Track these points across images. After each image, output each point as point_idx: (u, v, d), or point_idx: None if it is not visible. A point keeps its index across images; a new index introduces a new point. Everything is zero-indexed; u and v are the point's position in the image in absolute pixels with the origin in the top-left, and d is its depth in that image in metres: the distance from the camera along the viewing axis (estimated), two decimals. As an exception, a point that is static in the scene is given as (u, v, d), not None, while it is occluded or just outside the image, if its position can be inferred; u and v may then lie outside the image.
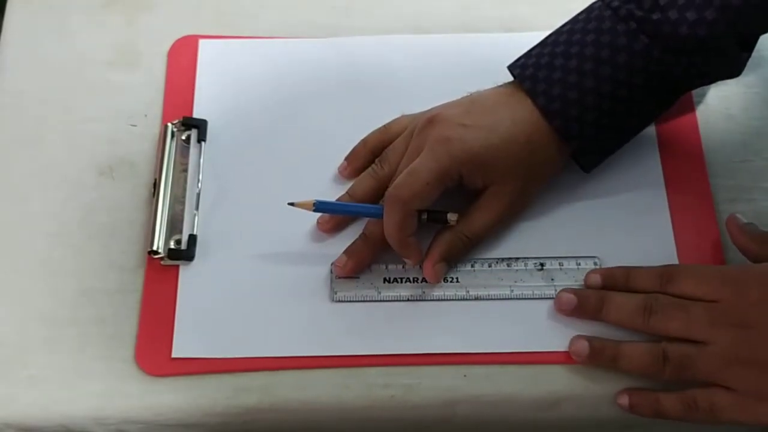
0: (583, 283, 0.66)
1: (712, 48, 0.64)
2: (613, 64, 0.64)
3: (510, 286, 0.66)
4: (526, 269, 0.67)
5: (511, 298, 0.66)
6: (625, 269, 0.64)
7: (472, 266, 0.67)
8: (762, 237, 0.64)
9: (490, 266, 0.67)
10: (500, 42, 0.75)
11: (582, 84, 0.64)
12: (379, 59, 0.76)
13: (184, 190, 0.69)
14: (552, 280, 0.66)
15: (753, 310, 0.58)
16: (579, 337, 0.63)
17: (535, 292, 0.66)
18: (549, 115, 0.65)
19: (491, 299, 0.66)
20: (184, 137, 0.71)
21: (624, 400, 0.61)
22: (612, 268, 0.65)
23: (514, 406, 0.64)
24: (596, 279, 0.65)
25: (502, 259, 0.67)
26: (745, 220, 0.65)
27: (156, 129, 0.72)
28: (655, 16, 0.63)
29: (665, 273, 0.62)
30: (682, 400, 0.60)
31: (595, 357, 0.62)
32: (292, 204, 0.66)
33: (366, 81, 0.75)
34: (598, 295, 0.64)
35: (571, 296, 0.64)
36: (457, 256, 0.66)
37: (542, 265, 0.67)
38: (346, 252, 0.66)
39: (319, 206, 0.66)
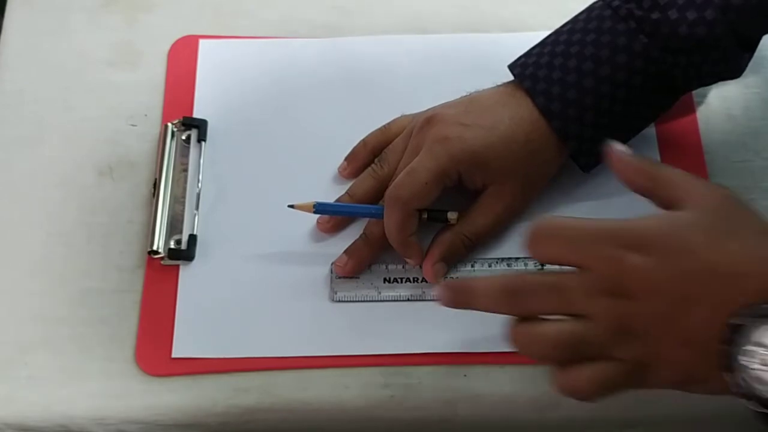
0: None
1: (711, 48, 0.64)
2: (613, 64, 0.64)
3: (510, 286, 0.66)
4: (526, 269, 0.67)
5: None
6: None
7: (472, 266, 0.67)
8: (644, 169, 0.57)
9: (490, 266, 0.67)
10: (500, 42, 0.75)
11: (581, 84, 0.64)
12: (379, 59, 0.76)
13: (184, 190, 0.69)
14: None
15: (628, 277, 0.52)
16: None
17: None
18: (548, 114, 0.65)
19: None
20: (184, 137, 0.72)
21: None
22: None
23: (514, 406, 0.64)
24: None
25: (502, 259, 0.67)
26: (625, 150, 0.58)
27: (156, 129, 0.72)
28: (654, 16, 0.63)
29: (534, 232, 0.54)
30: (565, 375, 0.54)
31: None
32: (292, 206, 0.66)
33: (366, 81, 0.75)
34: (463, 284, 0.57)
35: (439, 287, 0.58)
36: (456, 257, 0.66)
37: (542, 265, 0.67)
38: (346, 252, 0.67)
39: (319, 208, 0.66)
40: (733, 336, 0.49)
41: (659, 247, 0.51)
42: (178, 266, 0.67)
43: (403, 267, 0.67)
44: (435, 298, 0.58)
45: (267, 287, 0.67)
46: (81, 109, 0.73)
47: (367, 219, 0.67)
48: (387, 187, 0.66)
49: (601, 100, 0.65)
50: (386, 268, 0.67)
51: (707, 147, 0.72)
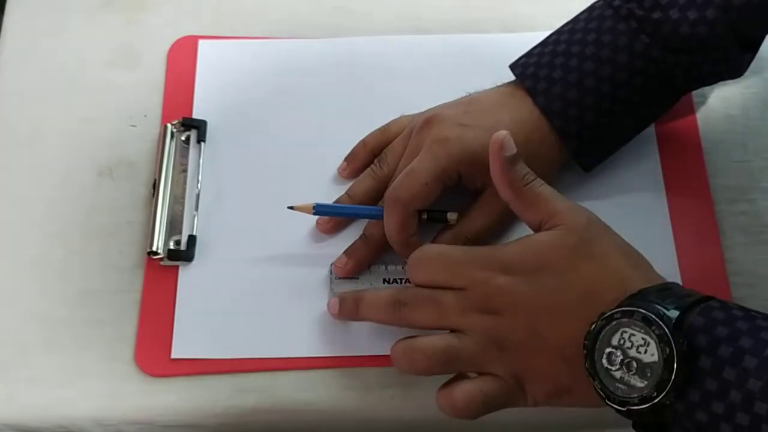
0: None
1: (712, 48, 0.64)
2: (614, 64, 0.64)
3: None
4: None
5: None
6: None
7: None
8: (521, 185, 0.59)
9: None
10: (500, 42, 0.75)
11: (582, 83, 0.64)
12: (379, 59, 0.76)
13: (184, 190, 0.69)
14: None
15: (497, 295, 0.57)
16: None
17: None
18: (549, 114, 0.65)
19: None
20: (183, 137, 0.72)
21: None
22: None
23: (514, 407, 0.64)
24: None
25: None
26: (510, 156, 0.59)
27: (156, 129, 0.72)
28: (655, 15, 0.63)
29: (412, 262, 0.60)
30: (464, 394, 0.58)
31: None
32: (291, 208, 0.66)
33: (366, 81, 0.75)
34: (354, 296, 0.63)
35: (335, 299, 0.64)
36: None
37: None
38: (346, 252, 0.67)
39: (318, 209, 0.66)
40: (592, 341, 0.53)
41: (522, 268, 0.57)
42: (177, 267, 0.67)
43: (402, 267, 0.67)
44: (328, 310, 0.64)
45: (267, 287, 0.67)
46: (81, 109, 0.73)
47: (366, 220, 0.67)
48: (386, 188, 0.66)
49: (602, 100, 0.65)
50: (386, 268, 0.67)
51: (707, 147, 0.72)
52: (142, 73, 0.75)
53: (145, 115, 0.73)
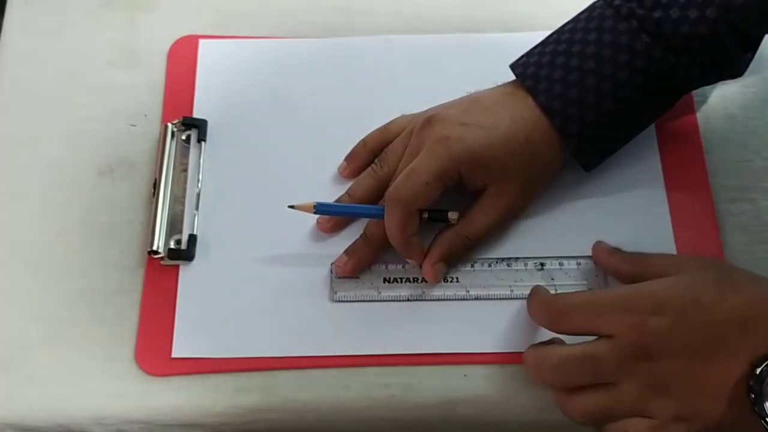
0: (583, 283, 0.66)
1: (713, 47, 0.64)
2: (615, 64, 0.64)
3: (510, 286, 0.66)
4: (526, 269, 0.67)
5: (511, 298, 0.66)
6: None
7: (472, 266, 0.67)
8: (630, 257, 0.65)
9: (490, 266, 0.67)
10: (500, 42, 0.75)
11: (583, 83, 0.64)
12: (379, 59, 0.76)
13: (184, 190, 0.69)
14: (552, 279, 0.66)
15: (652, 340, 0.56)
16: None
17: (535, 292, 0.66)
18: (550, 113, 0.65)
19: (491, 299, 0.66)
20: (184, 137, 0.72)
21: None
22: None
23: (514, 407, 0.64)
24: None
25: (502, 259, 0.67)
26: (611, 246, 0.66)
27: (156, 129, 0.72)
28: (656, 15, 0.64)
29: (555, 309, 0.60)
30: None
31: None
32: (292, 207, 0.66)
33: (366, 81, 0.75)
34: (535, 359, 0.61)
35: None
36: (457, 257, 0.66)
37: (542, 265, 0.67)
38: (346, 252, 0.67)
39: (319, 208, 0.66)
40: (757, 386, 0.53)
41: (673, 307, 0.56)
42: (178, 266, 0.67)
43: (403, 267, 0.67)
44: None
45: (267, 287, 0.67)
46: (81, 109, 0.73)
47: (367, 219, 0.67)
48: (387, 187, 0.66)
49: (602, 99, 0.65)
50: (386, 268, 0.67)
51: (707, 147, 0.72)
52: (143, 73, 0.75)
53: (146, 115, 0.73)
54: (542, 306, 0.62)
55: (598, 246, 0.66)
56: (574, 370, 0.59)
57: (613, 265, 0.65)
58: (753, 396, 0.53)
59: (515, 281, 0.66)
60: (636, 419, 0.57)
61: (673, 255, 0.65)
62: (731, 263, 0.63)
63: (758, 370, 0.53)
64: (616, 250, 0.66)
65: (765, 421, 0.53)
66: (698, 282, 0.57)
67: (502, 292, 0.66)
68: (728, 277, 0.58)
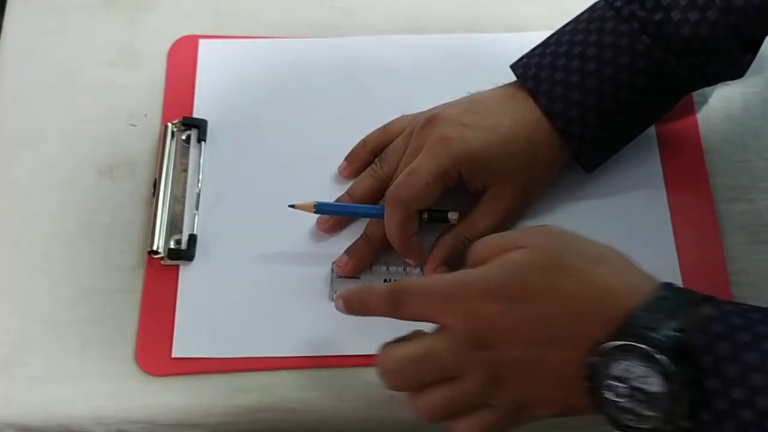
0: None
1: (714, 49, 0.64)
2: (616, 65, 0.64)
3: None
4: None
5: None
6: (360, 294, 0.60)
7: (473, 268, 0.67)
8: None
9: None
10: (500, 42, 0.75)
11: (584, 85, 0.64)
12: (379, 59, 0.76)
13: (184, 190, 0.69)
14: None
15: (486, 328, 0.54)
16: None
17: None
18: (551, 115, 0.65)
19: None
20: (184, 137, 0.72)
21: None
22: (350, 293, 0.60)
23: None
24: (340, 305, 0.60)
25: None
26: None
27: (156, 129, 0.72)
28: (657, 17, 0.63)
29: (394, 296, 0.57)
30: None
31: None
32: (292, 206, 0.66)
33: (366, 81, 0.75)
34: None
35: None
36: (458, 259, 0.66)
37: None
38: (347, 251, 0.67)
39: (319, 208, 0.66)
40: (592, 374, 0.51)
41: (505, 294, 0.54)
42: (178, 266, 0.67)
43: (404, 269, 0.67)
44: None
45: (267, 287, 0.67)
46: (81, 109, 0.73)
47: (367, 219, 0.67)
48: (387, 187, 0.66)
49: (603, 101, 0.65)
50: (387, 269, 0.67)
51: (707, 147, 0.72)
52: (143, 73, 0.75)
53: (146, 115, 0.73)
54: (381, 294, 0.58)
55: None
56: (413, 371, 0.56)
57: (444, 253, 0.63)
58: (590, 384, 0.52)
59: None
60: (482, 411, 0.55)
61: (505, 234, 0.60)
62: (568, 232, 0.57)
63: (589, 359, 0.51)
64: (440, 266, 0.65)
65: (605, 411, 0.51)
66: (529, 268, 0.54)
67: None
68: (563, 262, 0.54)
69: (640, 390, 0.50)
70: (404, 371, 0.56)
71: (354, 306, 0.60)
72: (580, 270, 0.55)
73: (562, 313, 0.54)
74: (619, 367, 0.51)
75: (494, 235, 0.58)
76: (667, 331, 0.50)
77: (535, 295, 0.54)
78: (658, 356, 0.49)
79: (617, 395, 0.51)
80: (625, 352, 0.50)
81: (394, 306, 0.57)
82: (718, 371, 0.49)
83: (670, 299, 0.52)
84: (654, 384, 0.50)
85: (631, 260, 0.56)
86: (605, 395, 0.51)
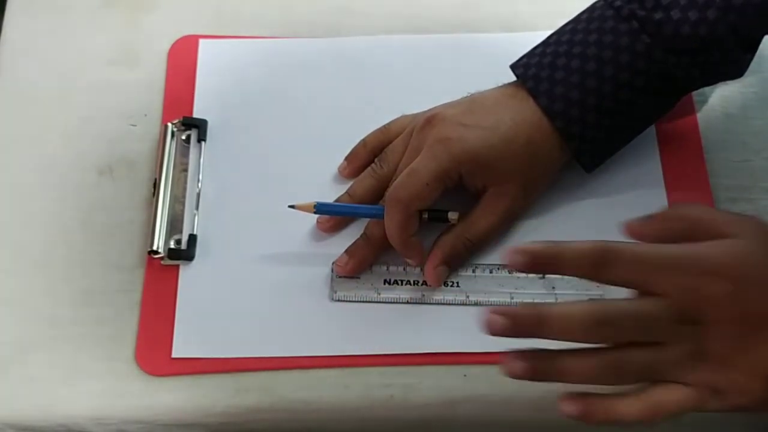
0: (584, 292, 0.65)
1: (713, 48, 0.64)
2: (616, 65, 0.64)
3: (510, 293, 0.66)
4: (527, 277, 0.66)
5: (511, 305, 0.65)
6: (554, 249, 0.54)
7: (473, 271, 0.67)
8: (673, 213, 0.58)
9: (491, 272, 0.67)
10: (500, 42, 0.75)
11: (584, 84, 0.64)
12: (379, 59, 0.76)
13: (184, 190, 0.69)
14: (553, 288, 0.66)
15: (705, 306, 0.52)
16: (514, 355, 0.53)
17: (536, 299, 0.65)
18: (551, 114, 0.65)
19: (491, 305, 0.66)
20: (184, 137, 0.72)
21: (571, 407, 0.53)
22: (538, 245, 0.54)
23: (514, 407, 0.64)
24: (517, 261, 0.53)
25: (504, 265, 0.67)
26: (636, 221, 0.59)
27: (156, 129, 0.72)
28: (657, 16, 0.63)
29: (601, 255, 0.53)
30: (644, 403, 0.54)
31: (534, 374, 0.53)
32: (292, 206, 0.66)
33: (366, 81, 0.75)
34: (533, 311, 0.53)
35: (494, 315, 0.53)
36: (458, 259, 0.66)
37: (543, 276, 0.66)
38: (347, 251, 0.67)
39: (319, 208, 0.66)
40: None
41: (732, 273, 0.52)
42: (178, 266, 0.67)
43: (404, 269, 0.67)
44: (486, 326, 0.54)
45: (267, 287, 0.67)
46: (81, 109, 0.73)
47: (367, 219, 0.67)
48: (387, 187, 0.66)
49: (603, 101, 0.65)
50: (387, 269, 0.67)
51: (707, 147, 0.72)
52: (143, 73, 0.75)
53: (146, 115, 0.73)
54: (584, 250, 0.54)
55: (627, 224, 0.58)
56: (620, 325, 0.53)
57: (660, 232, 0.57)
58: None
59: (516, 288, 0.66)
60: (676, 387, 0.54)
61: (725, 213, 0.58)
62: None
63: None
64: (648, 217, 0.58)
65: None
66: (757, 255, 0.53)
67: (503, 300, 0.66)
68: None
69: None
70: (612, 323, 0.53)
71: (543, 260, 0.54)
72: None
73: None
74: None
75: (714, 211, 0.57)
76: None
77: (761, 282, 0.52)
78: None
79: None
80: None
81: (597, 265, 0.53)
82: None
83: None
84: None
85: None
86: None
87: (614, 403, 0.54)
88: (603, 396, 0.54)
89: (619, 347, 0.54)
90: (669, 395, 0.54)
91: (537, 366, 0.53)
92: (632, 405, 0.54)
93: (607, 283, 0.54)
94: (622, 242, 0.55)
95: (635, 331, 0.53)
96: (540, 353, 0.54)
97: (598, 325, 0.53)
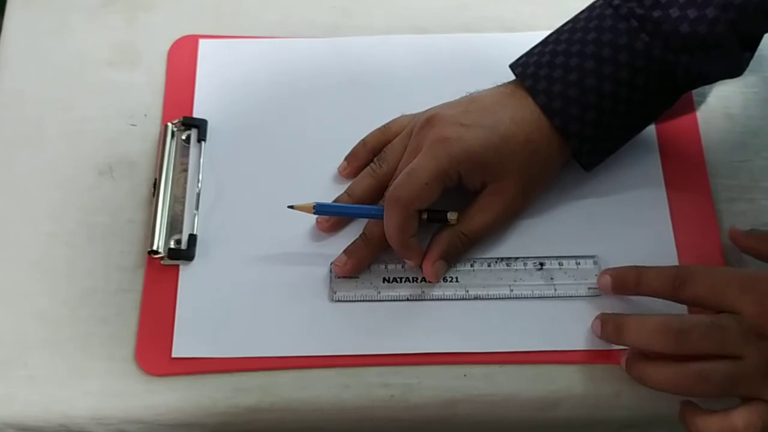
0: (583, 282, 0.66)
1: (712, 46, 0.64)
2: (614, 63, 0.64)
3: (509, 286, 0.66)
4: (525, 269, 0.67)
5: (510, 298, 0.66)
6: (637, 270, 0.63)
7: (472, 266, 0.67)
8: (765, 236, 0.65)
9: (489, 266, 0.67)
10: (500, 42, 0.75)
11: (583, 82, 0.64)
12: (379, 59, 0.76)
13: (184, 190, 0.69)
14: (551, 279, 0.66)
15: None
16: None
17: (535, 291, 0.66)
18: (549, 113, 0.65)
19: (491, 299, 0.66)
20: (184, 137, 0.72)
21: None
22: (623, 269, 0.64)
23: (514, 406, 0.64)
24: (606, 282, 0.64)
25: (502, 259, 0.67)
26: (745, 228, 0.67)
27: (156, 129, 0.72)
28: (656, 14, 0.64)
29: (678, 276, 0.61)
30: (746, 420, 0.58)
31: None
32: (292, 207, 0.66)
33: (366, 81, 0.75)
34: (615, 320, 0.62)
35: (597, 321, 0.64)
36: (456, 255, 0.66)
37: (542, 264, 0.67)
38: (345, 252, 0.67)
39: (319, 209, 0.66)
40: None
41: None
42: (178, 266, 0.67)
43: (402, 267, 0.67)
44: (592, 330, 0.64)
45: (267, 287, 0.67)
46: (81, 109, 0.73)
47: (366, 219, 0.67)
48: (386, 187, 0.66)
49: (602, 99, 0.65)
50: (385, 268, 0.67)
51: (707, 147, 0.72)
52: (143, 73, 0.75)
53: (146, 115, 0.73)
54: (664, 270, 0.62)
55: (734, 230, 0.67)
56: (701, 335, 0.58)
57: (750, 246, 0.66)
58: None
59: (515, 281, 0.66)
60: (757, 403, 0.58)
61: None
62: None
63: None
64: (751, 231, 0.66)
65: None
66: None
67: (502, 292, 0.66)
68: None
69: None
70: (692, 334, 0.58)
71: (628, 283, 0.63)
72: None
73: None
74: None
75: None
76: None
77: None
78: None
79: None
80: None
81: (676, 285, 0.60)
82: None
83: None
84: None
85: None
86: None
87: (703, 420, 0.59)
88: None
89: (702, 359, 0.59)
90: (751, 411, 0.58)
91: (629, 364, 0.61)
92: (713, 422, 0.59)
93: (685, 303, 0.61)
94: (698, 266, 0.62)
95: (709, 342, 0.58)
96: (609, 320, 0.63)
97: (677, 334, 0.59)
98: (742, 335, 0.58)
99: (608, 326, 0.63)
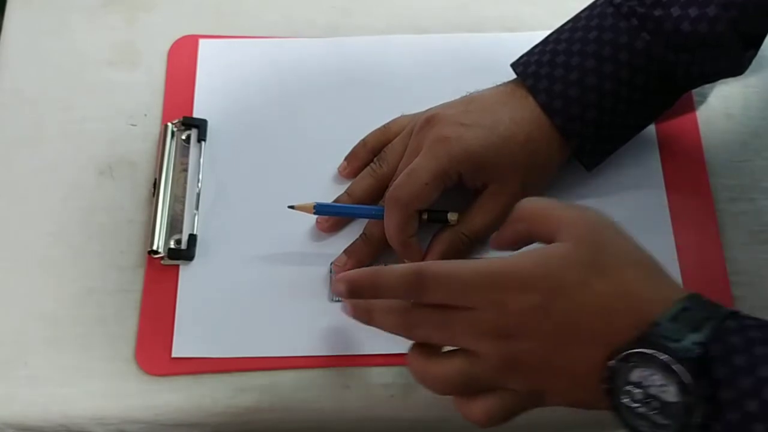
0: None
1: (714, 45, 0.64)
2: (615, 62, 0.64)
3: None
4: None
5: None
6: (372, 276, 0.57)
7: (472, 265, 0.67)
8: (515, 214, 0.59)
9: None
10: (500, 42, 0.75)
11: (583, 82, 0.64)
12: (379, 59, 0.76)
13: (184, 189, 0.69)
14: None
15: (512, 321, 0.54)
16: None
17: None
18: (550, 112, 0.65)
19: None
20: (184, 137, 0.72)
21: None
22: (359, 274, 0.58)
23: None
24: (340, 290, 0.58)
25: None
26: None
27: (156, 129, 0.72)
28: (657, 13, 0.64)
29: (415, 280, 0.55)
30: (484, 410, 0.56)
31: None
32: (292, 207, 0.66)
33: (366, 81, 0.75)
34: (365, 305, 0.58)
35: (347, 305, 0.59)
36: (456, 255, 0.66)
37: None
38: (345, 252, 0.67)
39: (319, 209, 0.66)
40: (611, 377, 0.51)
41: (537, 288, 0.53)
42: (178, 266, 0.67)
43: (402, 266, 0.67)
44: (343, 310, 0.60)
45: (267, 287, 0.67)
46: (81, 109, 0.73)
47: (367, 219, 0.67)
48: (386, 187, 0.66)
49: (603, 98, 0.65)
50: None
51: (707, 147, 0.72)
52: (143, 73, 0.75)
53: (146, 115, 0.73)
54: (400, 276, 0.56)
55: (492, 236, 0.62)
56: (429, 332, 0.56)
57: (502, 238, 0.60)
58: (608, 386, 0.51)
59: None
60: (500, 392, 0.55)
61: (555, 207, 0.57)
62: (613, 225, 0.56)
63: (611, 363, 0.51)
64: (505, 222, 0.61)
65: (619, 415, 0.51)
66: (568, 263, 0.53)
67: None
68: (601, 260, 0.53)
69: (656, 398, 0.50)
70: (422, 328, 0.56)
71: (363, 290, 0.57)
72: (614, 270, 0.53)
73: (590, 313, 0.53)
74: (637, 373, 0.50)
75: (549, 203, 0.57)
76: (688, 343, 0.49)
77: (568, 291, 0.53)
78: (675, 367, 0.49)
79: (633, 401, 0.51)
80: (645, 360, 0.50)
81: (415, 290, 0.55)
82: (733, 383, 0.49)
83: (695, 311, 0.51)
84: (670, 394, 0.49)
85: (661, 265, 0.55)
86: (622, 400, 0.51)
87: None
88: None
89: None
90: (490, 400, 0.55)
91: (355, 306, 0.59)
92: (475, 409, 0.56)
93: (424, 303, 0.56)
94: (439, 262, 0.59)
95: (439, 336, 0.56)
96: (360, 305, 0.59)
97: (406, 326, 0.57)
98: (473, 334, 0.55)
99: (359, 309, 0.59)
